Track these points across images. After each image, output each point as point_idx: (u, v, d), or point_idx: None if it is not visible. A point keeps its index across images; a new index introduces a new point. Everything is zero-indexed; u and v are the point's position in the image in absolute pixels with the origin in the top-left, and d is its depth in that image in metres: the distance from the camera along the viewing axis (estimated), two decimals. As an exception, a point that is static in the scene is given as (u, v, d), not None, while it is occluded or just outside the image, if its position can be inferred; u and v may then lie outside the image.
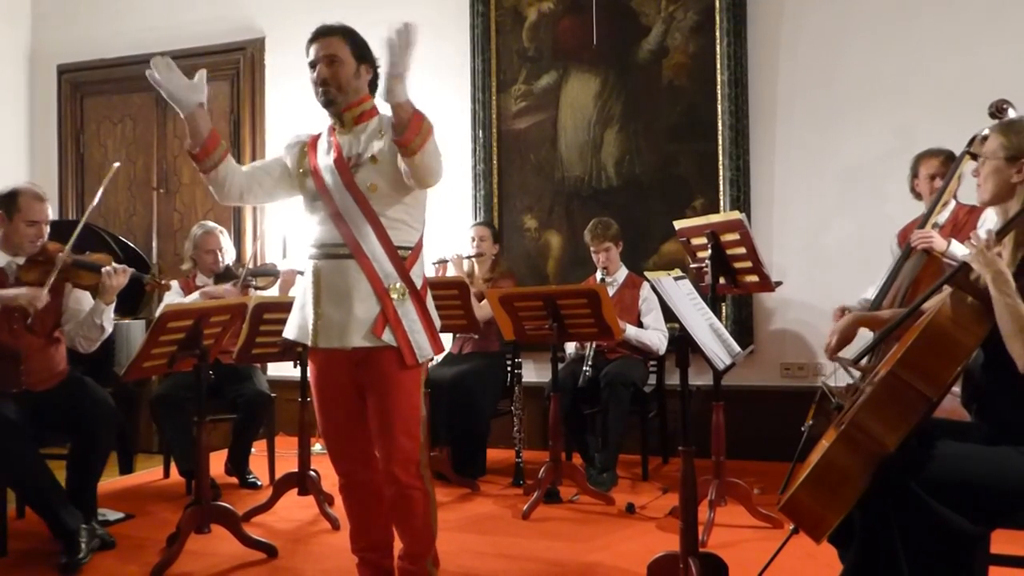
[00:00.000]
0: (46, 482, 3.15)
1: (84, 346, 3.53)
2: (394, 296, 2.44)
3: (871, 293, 3.82)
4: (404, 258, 2.48)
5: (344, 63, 2.47)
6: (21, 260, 3.38)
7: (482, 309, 4.35)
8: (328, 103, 2.49)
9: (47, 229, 3.44)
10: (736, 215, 3.56)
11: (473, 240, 4.72)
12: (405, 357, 2.44)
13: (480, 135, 5.23)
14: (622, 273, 4.52)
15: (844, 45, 4.65)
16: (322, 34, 2.49)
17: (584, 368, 4.22)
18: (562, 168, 5.15)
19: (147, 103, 6.13)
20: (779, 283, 3.93)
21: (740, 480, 3.53)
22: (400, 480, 2.48)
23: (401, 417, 2.46)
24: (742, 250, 3.55)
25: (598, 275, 4.48)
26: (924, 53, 4.50)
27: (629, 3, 5.01)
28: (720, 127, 4.79)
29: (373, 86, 2.55)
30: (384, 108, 2.38)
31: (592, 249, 4.48)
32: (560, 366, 4.06)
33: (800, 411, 3.68)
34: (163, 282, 3.77)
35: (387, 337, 2.43)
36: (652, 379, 4.53)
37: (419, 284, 2.52)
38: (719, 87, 4.79)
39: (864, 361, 2.27)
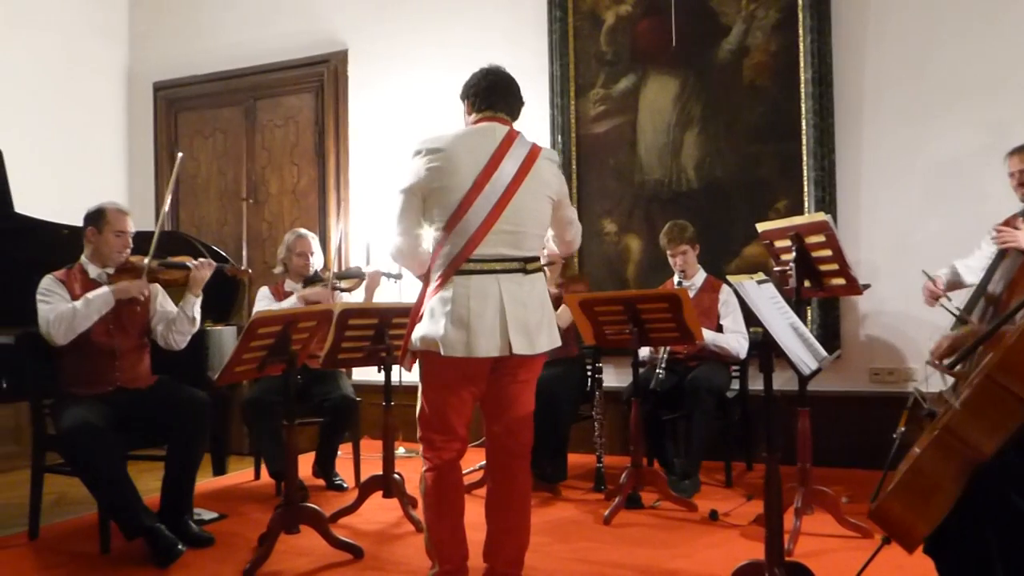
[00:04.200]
0: (126, 484, 3.26)
1: (177, 341, 3.69)
2: None
3: (950, 272, 3.75)
4: None
5: None
6: (111, 270, 3.59)
7: (560, 317, 4.32)
8: None
9: (131, 241, 3.65)
10: (821, 216, 3.49)
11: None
12: None
13: (559, 140, 5.24)
14: (700, 276, 4.45)
15: (933, 38, 4.49)
16: None
17: (657, 371, 4.16)
18: (641, 171, 5.12)
19: (236, 116, 6.35)
20: (867, 286, 3.82)
21: (827, 488, 3.44)
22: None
23: None
24: (828, 252, 3.47)
25: (675, 279, 4.43)
26: (1018, 45, 4.31)
27: (708, 3, 4.95)
28: (804, 126, 4.68)
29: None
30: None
31: (668, 252, 4.41)
32: (640, 371, 4.03)
33: (889, 418, 3.54)
34: (243, 268, 3.99)
35: None
36: (735, 384, 4.45)
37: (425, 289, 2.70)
38: (802, 85, 4.69)
39: (959, 368, 2.20)
